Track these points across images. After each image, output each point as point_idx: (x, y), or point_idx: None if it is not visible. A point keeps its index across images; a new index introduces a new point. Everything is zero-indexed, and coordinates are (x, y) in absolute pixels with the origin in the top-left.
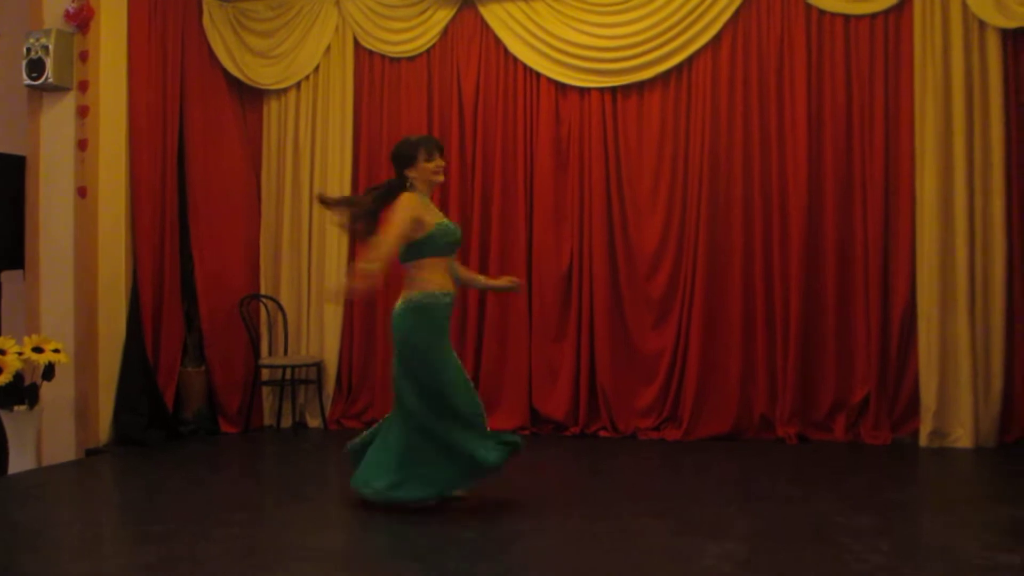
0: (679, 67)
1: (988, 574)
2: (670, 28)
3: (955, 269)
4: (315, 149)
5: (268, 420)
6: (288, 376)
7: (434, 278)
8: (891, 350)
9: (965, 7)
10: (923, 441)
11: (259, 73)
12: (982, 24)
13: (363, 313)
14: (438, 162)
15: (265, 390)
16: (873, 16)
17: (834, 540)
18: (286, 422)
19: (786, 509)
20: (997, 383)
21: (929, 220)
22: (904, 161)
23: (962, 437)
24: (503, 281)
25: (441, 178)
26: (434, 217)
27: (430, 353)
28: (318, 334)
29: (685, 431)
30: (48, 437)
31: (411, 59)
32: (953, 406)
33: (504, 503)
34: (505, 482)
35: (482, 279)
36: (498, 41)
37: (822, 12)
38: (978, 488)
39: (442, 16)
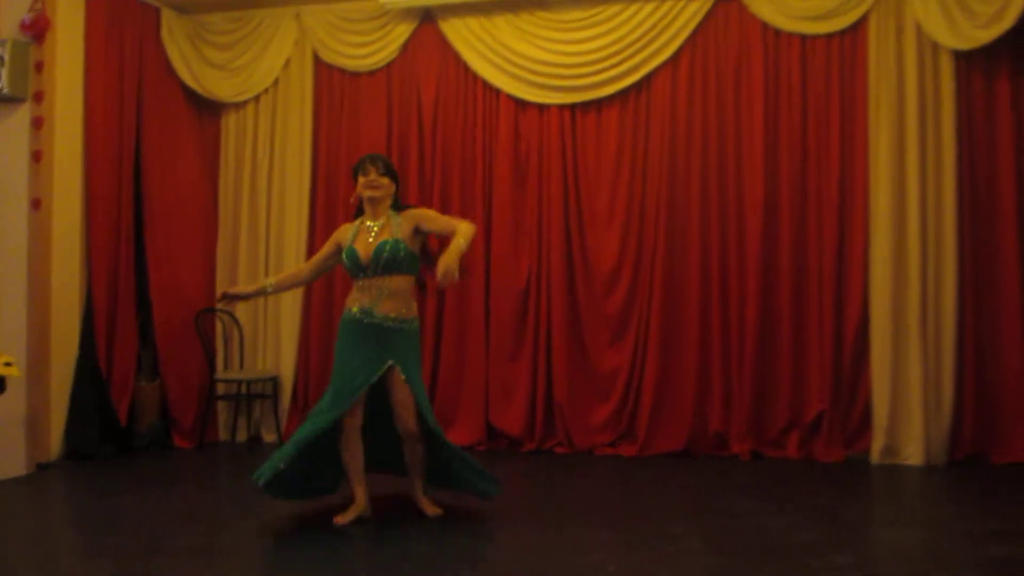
0: (638, 84)
1: None
2: (629, 45)
3: (907, 289)
4: (273, 162)
5: (223, 435)
6: (243, 390)
7: (351, 295)
8: (844, 368)
9: (919, 29)
10: (875, 458)
11: (217, 86)
12: (935, 46)
13: (319, 328)
14: (365, 178)
15: (220, 404)
16: (829, 36)
17: (788, 556)
18: (241, 437)
19: (740, 525)
20: (948, 402)
21: (882, 240)
22: (858, 181)
23: (913, 455)
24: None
25: (367, 192)
26: (348, 242)
27: (336, 355)
28: (274, 349)
29: (640, 447)
30: None
31: (371, 73)
32: (905, 424)
33: (459, 518)
34: (461, 497)
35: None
36: (458, 56)
37: (779, 31)
38: (930, 505)
39: (402, 31)
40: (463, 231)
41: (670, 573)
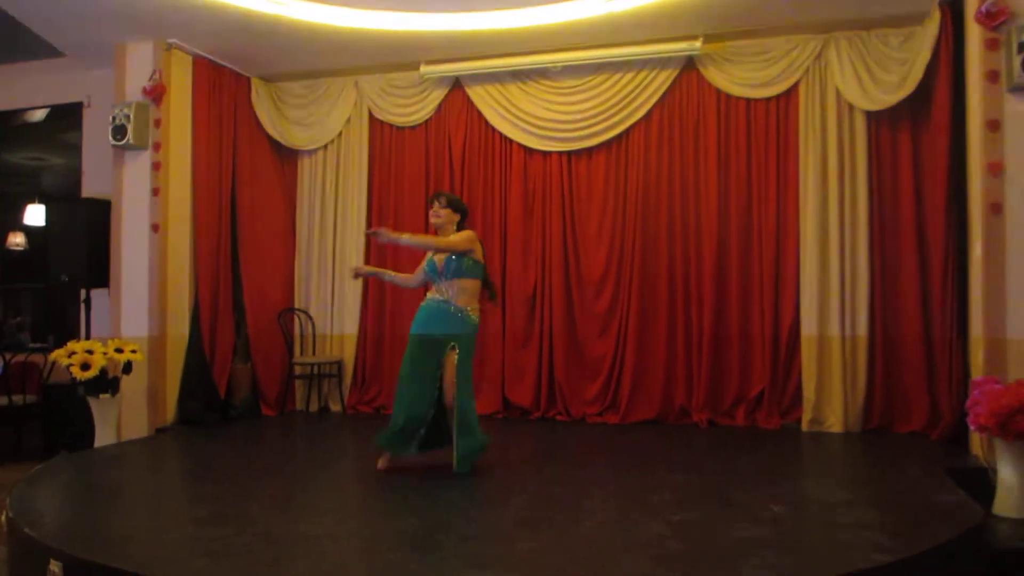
0: (619, 137)
1: (854, 528)
2: (613, 106)
3: (829, 295)
4: (338, 196)
5: (300, 405)
6: (315, 371)
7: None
8: (780, 355)
9: (838, 94)
10: (804, 427)
11: (295, 137)
12: (851, 107)
13: (374, 323)
14: (431, 209)
15: (297, 382)
16: (768, 100)
17: (736, 502)
18: (314, 407)
19: (699, 478)
20: (861, 382)
21: (810, 256)
22: (791, 212)
23: (834, 424)
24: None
25: (432, 220)
26: (429, 257)
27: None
28: (338, 339)
29: (622, 416)
30: (126, 418)
31: (413, 128)
32: (827, 399)
33: (484, 470)
34: (484, 455)
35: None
36: (480, 115)
37: (729, 96)
38: (846, 464)
39: (437, 95)
40: (428, 238)
41: (646, 516)
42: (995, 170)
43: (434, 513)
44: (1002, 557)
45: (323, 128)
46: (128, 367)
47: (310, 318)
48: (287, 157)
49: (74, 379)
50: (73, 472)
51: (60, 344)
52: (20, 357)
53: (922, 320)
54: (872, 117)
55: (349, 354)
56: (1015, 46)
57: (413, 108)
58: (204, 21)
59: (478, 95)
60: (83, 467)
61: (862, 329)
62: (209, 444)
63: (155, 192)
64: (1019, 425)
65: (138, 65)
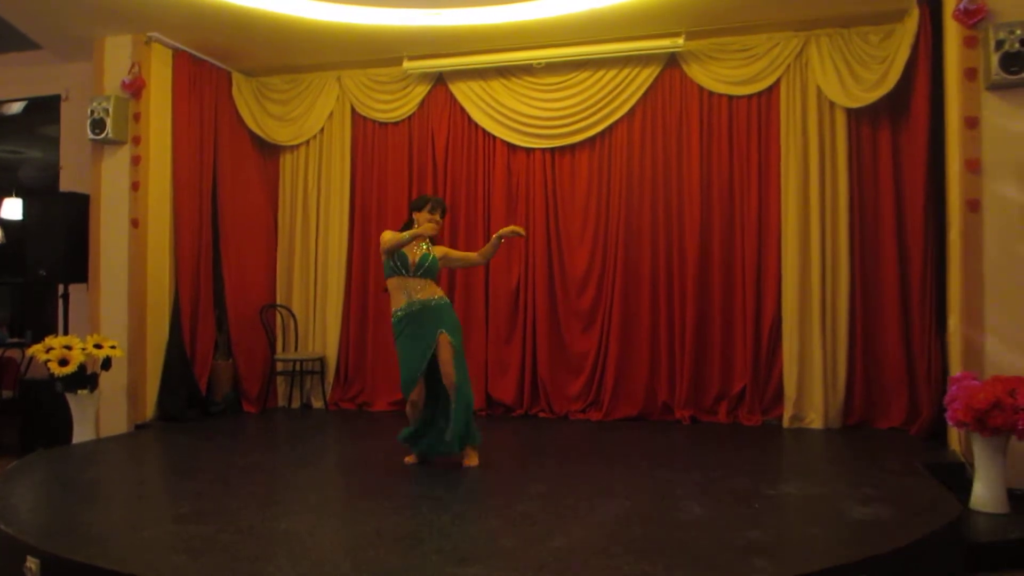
0: (602, 133)
1: (832, 523)
2: (595, 103)
3: (811, 291)
4: (320, 192)
5: (281, 402)
6: (297, 368)
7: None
8: (762, 352)
9: (819, 91)
10: (785, 423)
11: (276, 132)
12: (832, 105)
13: (357, 319)
14: (432, 215)
15: (279, 379)
16: (750, 97)
17: (718, 497)
18: (295, 404)
19: (681, 475)
20: (841, 379)
21: (791, 253)
22: (773, 208)
23: (815, 420)
24: (505, 232)
25: (434, 228)
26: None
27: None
28: (321, 335)
29: (605, 413)
30: (105, 415)
31: (396, 124)
32: (808, 396)
33: (468, 468)
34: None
35: (484, 249)
36: (463, 111)
37: (711, 93)
38: (827, 459)
39: (420, 91)
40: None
41: (629, 513)
42: (973, 167)
43: (415, 510)
44: (979, 551)
45: (305, 123)
46: (107, 363)
47: (292, 314)
48: (269, 152)
49: (52, 375)
50: (50, 468)
51: (37, 339)
52: None
53: (901, 316)
54: (852, 114)
55: (332, 351)
56: (992, 44)
57: (396, 104)
58: (184, 14)
59: (461, 91)
60: (60, 463)
61: (843, 326)
62: (189, 441)
63: (134, 187)
64: (996, 420)
65: (117, 58)
